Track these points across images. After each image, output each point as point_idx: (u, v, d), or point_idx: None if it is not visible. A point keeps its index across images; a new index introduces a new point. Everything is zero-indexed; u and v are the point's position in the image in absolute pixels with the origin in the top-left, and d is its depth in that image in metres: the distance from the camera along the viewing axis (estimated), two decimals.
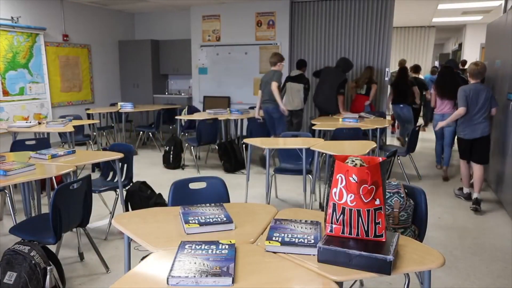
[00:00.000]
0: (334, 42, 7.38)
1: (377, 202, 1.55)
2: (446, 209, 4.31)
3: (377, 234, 1.56)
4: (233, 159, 5.77)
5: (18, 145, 4.08)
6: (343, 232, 1.59)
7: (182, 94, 9.09)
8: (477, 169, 4.31)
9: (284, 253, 1.59)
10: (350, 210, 1.56)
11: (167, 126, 8.06)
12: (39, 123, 5.37)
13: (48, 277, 2.34)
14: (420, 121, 8.89)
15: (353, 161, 1.60)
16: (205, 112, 6.92)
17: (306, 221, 1.83)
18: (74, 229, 2.94)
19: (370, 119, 5.67)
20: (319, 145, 3.93)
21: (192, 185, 2.44)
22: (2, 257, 2.38)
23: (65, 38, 7.73)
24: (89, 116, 7.04)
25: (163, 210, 2.10)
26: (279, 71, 5.55)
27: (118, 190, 3.63)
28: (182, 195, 2.40)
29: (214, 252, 1.54)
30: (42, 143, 4.20)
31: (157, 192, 3.89)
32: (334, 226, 1.60)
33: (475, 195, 4.27)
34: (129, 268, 1.95)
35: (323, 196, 4.59)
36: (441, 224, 3.88)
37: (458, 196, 4.65)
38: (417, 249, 1.60)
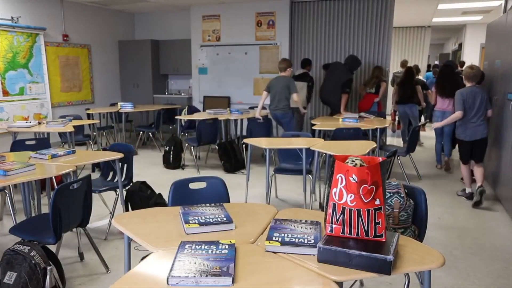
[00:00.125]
0: (334, 42, 7.38)
1: (377, 202, 1.55)
2: (446, 209, 4.31)
3: (377, 234, 1.56)
4: (233, 159, 5.78)
5: (18, 145, 4.08)
6: (343, 232, 1.59)
7: (182, 94, 9.09)
8: (477, 167, 4.41)
9: (284, 253, 1.59)
10: (350, 210, 1.56)
11: (167, 126, 8.06)
12: (39, 123, 5.36)
13: (48, 277, 2.34)
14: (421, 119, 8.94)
15: (353, 161, 1.60)
16: (205, 112, 6.92)
17: (306, 221, 1.83)
18: (74, 229, 2.94)
19: (370, 119, 5.68)
20: (319, 145, 3.93)
21: (192, 185, 2.44)
22: (2, 257, 2.38)
23: (65, 38, 7.73)
24: (89, 116, 7.04)
25: (163, 210, 2.10)
26: (292, 79, 5.63)
27: (118, 190, 3.63)
28: (182, 195, 2.40)
29: (214, 252, 1.54)
30: (42, 143, 4.20)
31: (157, 192, 3.89)
32: (334, 226, 1.60)
33: (478, 185, 4.34)
34: (129, 268, 1.95)
35: (323, 196, 4.59)
36: (441, 224, 3.88)
37: (461, 196, 4.67)
38: (417, 249, 1.60)
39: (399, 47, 12.22)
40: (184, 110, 7.17)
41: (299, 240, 1.62)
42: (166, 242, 1.70)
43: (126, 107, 7.12)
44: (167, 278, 1.36)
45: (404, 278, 2.25)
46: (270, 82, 5.67)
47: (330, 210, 1.61)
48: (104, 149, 4.44)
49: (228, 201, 2.43)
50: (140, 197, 3.69)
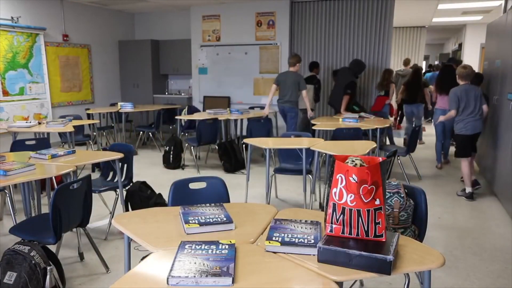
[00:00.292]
0: (334, 42, 7.38)
1: (377, 202, 1.55)
2: (446, 209, 4.31)
3: (377, 234, 1.56)
4: (233, 159, 5.78)
5: (18, 145, 4.08)
6: (343, 232, 1.59)
7: (182, 94, 9.09)
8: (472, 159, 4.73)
9: (284, 253, 1.59)
10: (350, 210, 1.56)
11: (167, 126, 8.06)
12: (39, 123, 5.36)
13: (48, 277, 2.34)
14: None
15: (353, 161, 1.60)
16: (205, 112, 6.92)
17: (306, 221, 1.83)
18: (74, 229, 2.94)
19: (370, 119, 5.68)
20: (319, 145, 3.93)
21: (192, 185, 2.44)
22: (2, 257, 2.38)
23: (65, 38, 7.73)
24: (89, 116, 7.04)
25: (163, 210, 2.10)
26: (302, 76, 5.93)
27: (118, 190, 3.63)
28: (182, 195, 2.40)
29: (214, 252, 1.54)
30: (42, 143, 4.20)
31: (157, 192, 3.89)
32: (334, 226, 1.60)
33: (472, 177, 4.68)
34: (129, 268, 1.95)
35: (323, 196, 4.59)
36: (441, 224, 3.88)
37: (461, 196, 4.68)
38: (417, 249, 1.60)
39: (396, 47, 12.33)
40: (184, 110, 7.17)
41: (299, 240, 1.62)
42: (166, 242, 1.70)
43: (126, 107, 7.12)
44: (167, 278, 1.36)
45: (404, 278, 2.25)
46: (279, 76, 5.97)
47: (330, 210, 1.61)
48: (104, 149, 4.44)
49: (228, 201, 2.43)
50: (140, 197, 3.69)
